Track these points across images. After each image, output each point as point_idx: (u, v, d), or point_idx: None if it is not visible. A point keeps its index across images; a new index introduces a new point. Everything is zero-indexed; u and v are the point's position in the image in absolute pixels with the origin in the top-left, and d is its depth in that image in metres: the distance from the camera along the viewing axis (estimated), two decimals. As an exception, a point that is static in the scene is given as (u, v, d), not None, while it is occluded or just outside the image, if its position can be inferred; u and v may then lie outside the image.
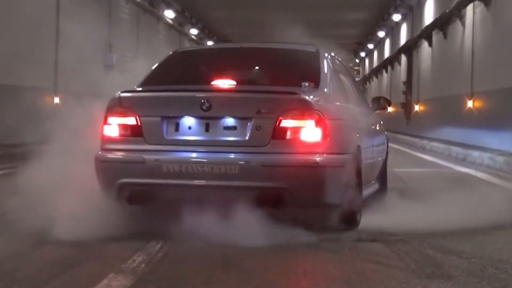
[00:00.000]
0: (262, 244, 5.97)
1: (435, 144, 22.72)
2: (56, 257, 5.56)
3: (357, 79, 58.77)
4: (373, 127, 8.83)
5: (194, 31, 43.03)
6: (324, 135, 6.35)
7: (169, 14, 36.01)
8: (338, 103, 7.23)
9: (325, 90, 7.01)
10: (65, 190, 6.66)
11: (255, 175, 6.23)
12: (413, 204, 8.19)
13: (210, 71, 7.35)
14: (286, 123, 6.30)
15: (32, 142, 8.31)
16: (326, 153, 6.39)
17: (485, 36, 20.89)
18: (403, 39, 37.56)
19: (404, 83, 35.01)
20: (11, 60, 17.93)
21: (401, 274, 5.27)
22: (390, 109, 37.05)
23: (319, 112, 6.36)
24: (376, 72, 50.09)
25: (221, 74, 6.95)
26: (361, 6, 37.52)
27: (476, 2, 21.51)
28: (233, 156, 6.33)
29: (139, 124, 6.50)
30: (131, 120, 6.52)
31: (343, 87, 7.86)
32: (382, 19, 41.28)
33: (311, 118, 6.32)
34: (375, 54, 53.06)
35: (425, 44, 30.11)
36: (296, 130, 6.31)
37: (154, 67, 7.65)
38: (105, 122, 6.62)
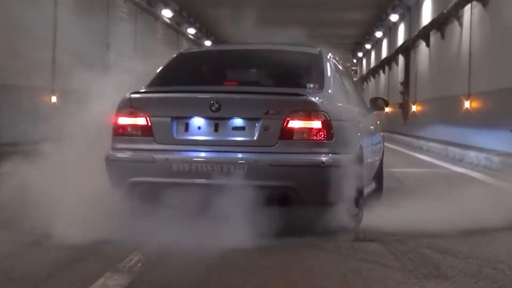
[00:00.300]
0: (259, 244, 5.97)
1: (432, 144, 22.73)
2: (53, 257, 5.55)
3: (354, 79, 58.95)
4: (371, 127, 8.95)
5: (191, 31, 43.00)
6: (330, 136, 6.49)
7: (167, 13, 35.99)
8: (341, 104, 7.38)
9: (329, 91, 7.15)
10: (61, 190, 6.67)
11: (263, 174, 6.36)
12: (410, 204, 8.19)
13: (216, 72, 7.50)
14: (294, 123, 6.44)
15: (26, 142, 8.31)
16: (332, 153, 6.51)
17: (483, 37, 20.91)
18: (400, 39, 37.58)
19: (402, 83, 35.02)
20: (8, 59, 17.92)
21: (398, 274, 5.27)
22: (387, 109, 37.15)
23: (325, 113, 6.50)
24: (373, 72, 50.11)
25: (227, 76, 7.19)
26: (359, 6, 37.50)
27: (474, 3, 21.53)
28: (241, 156, 6.46)
29: (149, 124, 6.63)
30: (141, 120, 6.66)
31: (345, 88, 8.01)
32: (379, 19, 41.28)
33: (318, 119, 6.46)
34: (373, 54, 53.07)
35: (422, 44, 30.13)
36: (303, 130, 6.46)
37: (160, 68, 7.70)
38: (116, 122, 6.74)
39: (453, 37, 24.75)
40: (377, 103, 8.92)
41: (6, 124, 16.74)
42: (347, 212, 6.67)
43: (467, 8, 22.53)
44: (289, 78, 7.33)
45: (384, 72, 44.16)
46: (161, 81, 7.39)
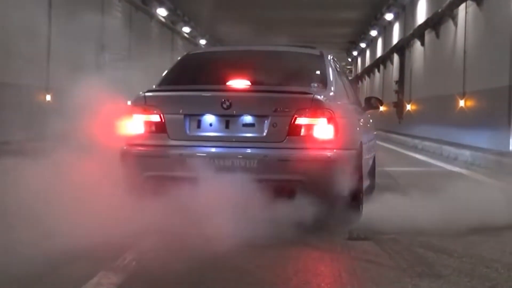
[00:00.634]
0: (254, 243, 5.97)
1: (427, 143, 22.75)
2: (47, 255, 5.53)
3: (349, 78, 58.98)
4: (368, 125, 9.34)
5: (186, 29, 42.98)
6: (335, 132, 6.81)
7: (162, 12, 35.96)
8: (343, 102, 7.75)
9: (332, 90, 7.51)
10: (54, 189, 6.66)
11: (272, 168, 6.70)
12: (405, 203, 8.19)
13: (224, 72, 7.65)
14: (301, 120, 6.77)
15: (20, 140, 8.30)
16: (336, 149, 6.84)
17: (477, 36, 20.93)
18: (395, 38, 37.59)
19: (396, 82, 35.03)
20: (3, 58, 17.90)
21: (392, 273, 5.28)
22: (382, 108, 37.17)
23: (330, 111, 6.82)
24: (368, 71, 50.10)
25: (235, 75, 7.37)
26: (354, 5, 37.51)
27: (468, 2, 21.55)
28: (251, 151, 6.79)
29: (163, 121, 6.93)
30: (155, 117, 6.96)
31: (344, 87, 8.35)
32: (374, 18, 41.29)
33: (324, 116, 6.78)
34: (368, 53, 53.08)
35: (417, 43, 30.15)
36: (309, 127, 6.78)
37: (169, 68, 8.06)
38: (130, 119, 7.04)
39: (447, 36, 24.78)
40: (371, 102, 9.24)
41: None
42: (350, 204, 6.97)
43: (461, 8, 22.55)
44: (294, 78, 7.56)
45: (379, 71, 44.17)
46: (171, 81, 7.72)
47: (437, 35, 26.16)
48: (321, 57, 8.12)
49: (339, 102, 7.50)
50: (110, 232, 6.12)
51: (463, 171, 14.38)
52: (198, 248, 5.82)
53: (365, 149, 8.12)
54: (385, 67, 41.41)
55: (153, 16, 35.07)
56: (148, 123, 6.98)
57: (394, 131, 32.72)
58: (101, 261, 5.38)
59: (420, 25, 28.91)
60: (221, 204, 6.31)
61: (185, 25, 42.28)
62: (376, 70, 45.34)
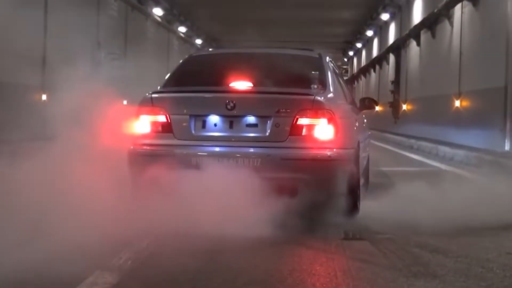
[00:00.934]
0: (249, 242, 5.97)
1: (423, 143, 22.75)
2: (41, 254, 5.52)
3: (345, 78, 58.91)
4: (363, 125, 9.74)
5: (182, 29, 42.96)
6: (335, 132, 7.05)
7: (157, 11, 35.95)
8: (342, 103, 8.06)
9: (331, 91, 7.77)
10: (50, 189, 6.66)
11: (275, 167, 6.91)
12: (401, 202, 8.20)
13: (228, 74, 7.82)
14: (302, 121, 7.01)
15: (14, 139, 8.29)
16: (336, 148, 7.09)
17: (473, 36, 20.95)
18: (391, 38, 37.61)
19: (392, 82, 35.03)
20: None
21: (388, 272, 5.28)
22: (378, 108, 37.18)
23: (330, 111, 7.07)
24: (364, 71, 50.10)
25: (239, 77, 7.61)
26: (350, 5, 37.54)
27: (464, 2, 21.57)
28: (255, 150, 7.04)
29: (169, 121, 7.18)
30: (161, 118, 7.20)
31: (341, 88, 8.65)
32: (370, 18, 41.30)
33: (324, 117, 7.02)
34: (364, 53, 53.09)
35: (413, 43, 30.16)
36: (311, 127, 7.02)
37: (173, 69, 8.29)
38: (137, 120, 7.27)
39: (443, 36, 24.79)
40: (366, 103, 9.58)
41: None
42: (349, 200, 7.23)
43: (457, 8, 22.57)
44: (295, 80, 7.82)
45: (375, 71, 44.19)
46: (176, 82, 7.96)
47: (433, 35, 26.17)
48: (320, 59, 8.37)
49: (338, 103, 7.76)
50: (106, 231, 6.12)
51: (459, 171, 14.39)
52: (194, 247, 5.82)
53: (361, 148, 8.44)
54: (381, 67, 41.42)
55: (149, 15, 35.04)
56: (155, 123, 7.21)
57: (390, 131, 32.74)
58: (96, 260, 5.37)
59: (416, 25, 28.92)
60: (223, 203, 6.39)
61: (181, 25, 42.26)
62: (372, 70, 45.36)
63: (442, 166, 15.82)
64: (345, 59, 65.40)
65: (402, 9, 34.28)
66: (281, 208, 6.58)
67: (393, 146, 24.96)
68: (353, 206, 7.40)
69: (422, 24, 27.48)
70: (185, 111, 7.23)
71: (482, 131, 18.97)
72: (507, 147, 17.12)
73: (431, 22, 26.00)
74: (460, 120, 21.28)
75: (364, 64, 50.97)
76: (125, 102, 10.04)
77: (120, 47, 28.95)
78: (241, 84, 7.54)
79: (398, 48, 34.17)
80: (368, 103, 9.58)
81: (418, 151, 21.94)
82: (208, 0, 35.90)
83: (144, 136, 7.25)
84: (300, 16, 38.37)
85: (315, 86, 7.61)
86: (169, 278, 5.04)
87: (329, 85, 7.83)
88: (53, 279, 4.92)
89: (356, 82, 55.70)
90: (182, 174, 6.78)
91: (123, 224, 6.37)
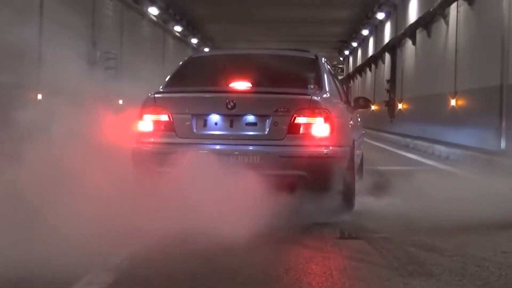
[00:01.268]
0: (245, 241, 5.97)
1: (418, 142, 22.76)
2: (37, 254, 5.52)
3: (341, 77, 58.95)
4: (357, 123, 10.07)
5: (178, 28, 42.91)
6: (331, 130, 7.29)
7: (153, 11, 35.88)
8: (337, 103, 8.32)
9: (327, 91, 8.01)
10: (46, 189, 6.65)
11: (274, 164, 7.12)
12: (397, 201, 8.22)
13: (228, 74, 8.12)
14: (300, 120, 7.24)
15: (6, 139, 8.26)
16: (332, 146, 7.33)
17: (469, 35, 20.97)
18: (387, 37, 37.62)
19: (388, 81, 35.03)
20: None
21: (383, 271, 5.28)
22: (374, 107, 37.23)
23: (327, 111, 7.31)
24: (360, 70, 50.10)
25: (238, 78, 7.86)
26: (346, 4, 37.52)
27: (460, 1, 21.59)
28: (254, 148, 7.27)
29: (172, 120, 7.43)
30: (164, 117, 7.45)
31: (336, 88, 8.91)
32: (366, 17, 41.30)
33: (321, 116, 7.26)
34: (359, 52, 53.10)
35: (409, 42, 30.17)
36: (308, 126, 7.25)
37: (174, 70, 8.52)
38: (141, 119, 7.51)
39: (439, 36, 24.81)
40: (360, 102, 9.81)
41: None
42: (345, 196, 7.44)
43: (453, 7, 22.58)
44: (293, 80, 8.10)
45: (370, 70, 44.19)
46: (177, 83, 8.20)
47: (429, 34, 26.19)
48: (316, 60, 8.61)
49: (334, 103, 7.97)
50: (103, 230, 6.11)
51: (454, 170, 14.40)
52: (190, 246, 5.81)
53: (356, 145, 8.69)
54: (376, 66, 41.44)
55: (144, 15, 35.00)
56: (158, 123, 7.45)
57: (386, 130, 32.75)
58: (93, 260, 5.36)
59: (411, 24, 28.93)
60: (223, 201, 6.46)
61: (176, 24, 42.22)
62: (368, 69, 45.36)
63: (438, 165, 15.83)
64: (341, 58, 65.41)
65: (397, 8, 34.29)
66: (279, 205, 6.64)
67: (389, 145, 24.96)
68: (349, 202, 7.62)
69: (418, 23, 27.49)
70: (187, 110, 7.46)
71: (477, 130, 18.98)
72: (502, 146, 17.14)
73: (426, 21, 26.01)
74: (456, 119, 21.29)
75: (360, 63, 50.97)
76: (120, 102, 10.04)
77: (116, 46, 28.90)
78: (241, 85, 7.76)
79: (394, 47, 34.18)
80: (362, 102, 9.81)
81: (414, 150, 21.94)
82: (203, -1, 35.91)
83: (147, 134, 7.48)
84: (296, 15, 38.35)
85: (312, 86, 7.87)
86: (165, 278, 5.04)
87: (325, 85, 8.07)
88: (49, 278, 4.92)
89: (352, 81, 55.72)
90: (183, 171, 6.87)
91: (121, 223, 6.36)
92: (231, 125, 7.39)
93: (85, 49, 24.40)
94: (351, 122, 8.86)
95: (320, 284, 4.98)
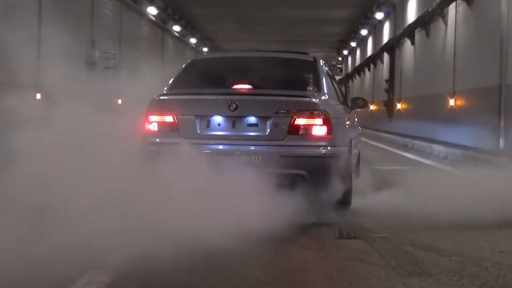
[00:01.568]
0: (243, 242, 5.97)
1: (417, 142, 22.76)
2: (36, 254, 5.52)
3: (340, 77, 58.96)
4: (355, 123, 10.27)
5: (177, 28, 42.90)
6: (329, 131, 7.55)
7: (152, 10, 35.87)
8: (335, 104, 8.56)
9: (326, 93, 8.28)
10: (44, 188, 6.64)
11: (275, 164, 7.33)
12: (396, 201, 8.22)
13: (230, 77, 8.49)
14: (299, 121, 7.51)
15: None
16: (331, 146, 7.59)
17: (467, 35, 20.97)
18: (385, 37, 37.60)
19: (387, 81, 35.01)
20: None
21: (382, 271, 5.29)
22: (372, 107, 37.23)
23: (325, 112, 7.58)
24: (358, 70, 50.06)
25: (240, 80, 8.15)
26: (344, 4, 37.51)
27: (459, 1, 21.58)
28: (255, 148, 7.53)
29: (176, 121, 7.69)
30: (169, 118, 7.71)
31: (334, 89, 9.16)
32: (365, 17, 41.29)
33: (319, 117, 7.53)
34: (358, 52, 53.06)
35: (407, 42, 30.17)
36: (307, 126, 7.53)
37: (177, 73, 8.78)
38: (147, 120, 7.77)
39: (438, 35, 24.81)
40: (357, 102, 10.03)
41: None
42: (343, 193, 7.66)
43: (451, 7, 22.58)
44: (292, 82, 8.41)
45: (369, 70, 44.17)
46: (181, 84, 8.46)
47: (427, 34, 26.19)
48: (314, 62, 8.88)
49: (332, 104, 8.23)
50: (102, 230, 6.10)
51: (453, 169, 14.39)
52: (189, 246, 5.81)
53: (353, 145, 8.99)
54: (375, 66, 41.42)
55: (143, 14, 34.99)
56: (163, 123, 7.72)
57: (385, 130, 32.73)
58: (92, 260, 5.36)
59: (410, 24, 28.92)
60: (226, 200, 6.51)
61: (175, 24, 42.21)
62: (367, 69, 45.33)
63: (437, 165, 15.83)
64: (340, 58, 65.38)
65: (396, 8, 34.28)
66: (279, 205, 6.70)
67: (387, 145, 24.97)
68: (346, 199, 7.88)
69: (416, 23, 27.48)
70: (191, 111, 7.70)
71: (476, 129, 18.96)
72: (501, 146, 17.14)
73: (425, 21, 26.00)
74: (454, 118, 21.29)
75: (359, 63, 50.95)
76: (119, 101, 10.03)
77: (115, 46, 28.89)
78: (243, 87, 8.03)
79: (393, 47, 34.17)
80: (359, 102, 10.02)
81: (412, 150, 21.95)
82: (202, -1, 35.90)
83: (153, 134, 7.71)
84: (295, 15, 38.35)
85: (311, 88, 8.09)
86: (164, 278, 5.04)
87: (323, 87, 8.35)
88: (48, 278, 4.92)
89: (350, 81, 55.70)
90: (187, 170, 6.96)
91: (121, 223, 6.35)
92: (233, 126, 7.64)
93: (84, 48, 24.39)
94: (348, 123, 9.06)
95: (318, 284, 4.99)
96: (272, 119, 7.53)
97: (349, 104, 9.97)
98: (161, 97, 7.93)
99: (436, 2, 23.72)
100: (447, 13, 23.29)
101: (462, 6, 21.27)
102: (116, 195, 6.71)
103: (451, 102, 21.76)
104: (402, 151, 21.47)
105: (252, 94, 7.99)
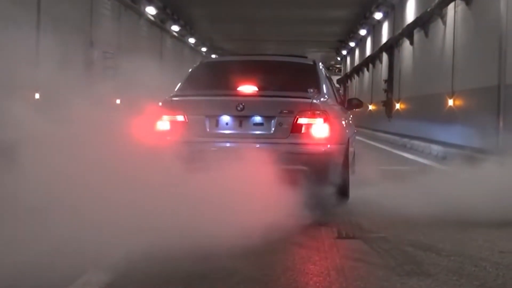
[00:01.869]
0: (241, 242, 5.97)
1: (416, 142, 22.77)
2: (35, 254, 5.52)
3: (338, 77, 58.94)
4: (351, 122, 10.89)
5: (175, 28, 42.90)
6: (329, 130, 8.01)
7: (151, 10, 35.87)
8: (333, 104, 9.07)
9: (325, 94, 8.87)
10: (42, 188, 6.64)
11: (279, 160, 7.57)
12: (395, 201, 8.22)
13: (236, 79, 8.72)
14: (302, 120, 7.98)
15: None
16: (330, 144, 8.06)
17: (466, 35, 20.97)
18: (384, 37, 37.60)
19: (386, 81, 35.00)
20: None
21: (381, 271, 5.29)
22: (371, 107, 37.20)
23: (325, 112, 8.06)
24: (357, 70, 50.04)
25: (246, 82, 8.52)
26: (343, 4, 37.52)
27: (457, 1, 21.58)
28: (261, 146, 7.91)
29: (187, 121, 8.15)
30: (180, 118, 8.18)
31: (332, 91, 9.68)
32: (364, 17, 41.29)
33: (320, 117, 8.00)
34: (357, 52, 53.04)
35: (406, 42, 30.17)
36: (309, 126, 7.98)
37: (186, 75, 9.32)
38: (159, 119, 8.20)
39: (436, 36, 24.81)
40: (353, 103, 10.49)
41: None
42: (341, 188, 8.19)
43: (450, 7, 22.58)
44: (294, 84, 8.94)
45: (368, 70, 44.17)
46: (190, 86, 8.94)
47: (426, 34, 26.19)
48: (314, 66, 9.48)
49: (331, 105, 8.75)
50: (101, 230, 6.10)
51: (452, 169, 14.39)
52: (188, 246, 5.81)
53: (350, 143, 9.42)
54: (374, 66, 41.41)
55: (142, 14, 34.99)
56: (175, 122, 8.16)
57: (383, 130, 32.73)
58: (91, 259, 5.36)
59: (409, 24, 28.92)
60: (231, 196, 6.69)
61: (174, 24, 42.20)
62: (366, 69, 45.32)
63: (435, 165, 15.84)
64: (339, 58, 65.34)
65: (395, 8, 34.28)
66: (278, 204, 6.82)
67: (386, 145, 24.98)
68: (344, 193, 8.44)
69: (415, 23, 27.48)
70: (201, 112, 8.16)
71: (475, 129, 18.96)
72: (500, 145, 17.13)
73: (424, 21, 26.01)
74: (453, 119, 21.29)
75: (358, 63, 50.94)
76: (118, 101, 10.03)
77: (113, 46, 28.87)
78: (249, 88, 8.44)
79: (391, 47, 34.16)
80: (354, 103, 10.46)
81: (411, 149, 21.96)
82: (201, -1, 35.90)
83: (165, 133, 8.11)
84: (294, 14, 38.37)
85: (312, 90, 8.57)
86: (163, 277, 5.04)
87: (323, 89, 8.92)
88: (47, 277, 4.91)
89: (349, 81, 55.67)
90: (197, 167, 7.29)
91: (117, 223, 6.35)
92: (240, 125, 8.11)
93: (83, 48, 24.38)
94: (346, 122, 9.68)
95: (317, 284, 4.99)
96: (276, 118, 8.00)
97: (346, 105, 10.38)
98: (173, 98, 8.45)
99: (435, 2, 23.72)
100: (446, 13, 23.30)
101: (461, 6, 21.28)
102: (117, 195, 6.71)
103: (450, 102, 21.76)
104: (401, 151, 21.48)
105: (258, 95, 8.41)
